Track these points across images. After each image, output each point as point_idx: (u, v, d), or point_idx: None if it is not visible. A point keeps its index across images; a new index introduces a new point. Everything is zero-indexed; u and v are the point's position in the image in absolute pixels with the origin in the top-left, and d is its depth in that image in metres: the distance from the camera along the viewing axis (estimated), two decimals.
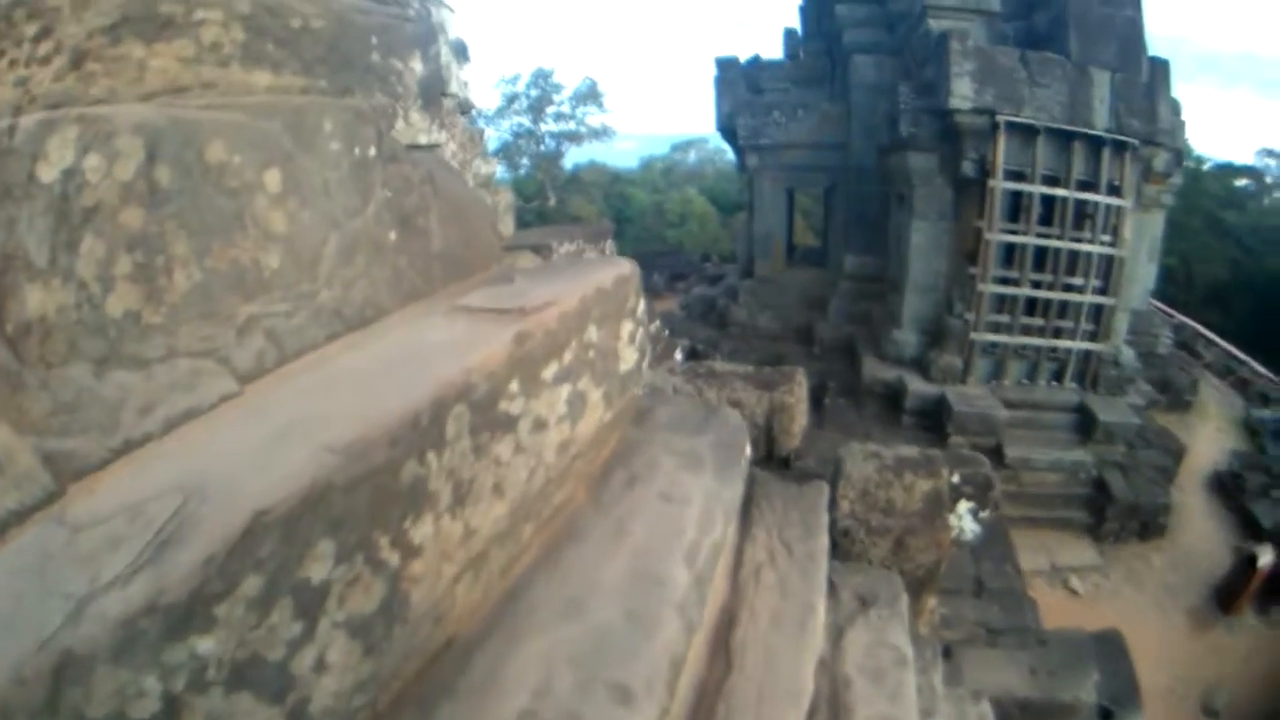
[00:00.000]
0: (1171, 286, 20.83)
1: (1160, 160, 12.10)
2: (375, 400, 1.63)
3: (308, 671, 1.36)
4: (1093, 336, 11.98)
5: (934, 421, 11.90)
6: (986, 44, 11.89)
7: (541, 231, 6.07)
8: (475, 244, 2.83)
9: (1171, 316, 19.29)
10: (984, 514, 9.15)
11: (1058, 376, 12.23)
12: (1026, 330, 12.04)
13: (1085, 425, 11.64)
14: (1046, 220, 11.63)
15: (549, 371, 2.08)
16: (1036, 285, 11.83)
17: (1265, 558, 9.62)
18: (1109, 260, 11.74)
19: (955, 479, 6.28)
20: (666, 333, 10.29)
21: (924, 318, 12.96)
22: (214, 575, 1.22)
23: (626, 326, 2.59)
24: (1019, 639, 7.73)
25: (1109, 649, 7.79)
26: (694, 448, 2.66)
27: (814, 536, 2.97)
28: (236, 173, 1.96)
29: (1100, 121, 11.28)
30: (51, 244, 1.67)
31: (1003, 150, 11.21)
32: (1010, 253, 11.85)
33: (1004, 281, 11.85)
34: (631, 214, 35.42)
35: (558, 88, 36.18)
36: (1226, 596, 9.87)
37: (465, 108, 3.52)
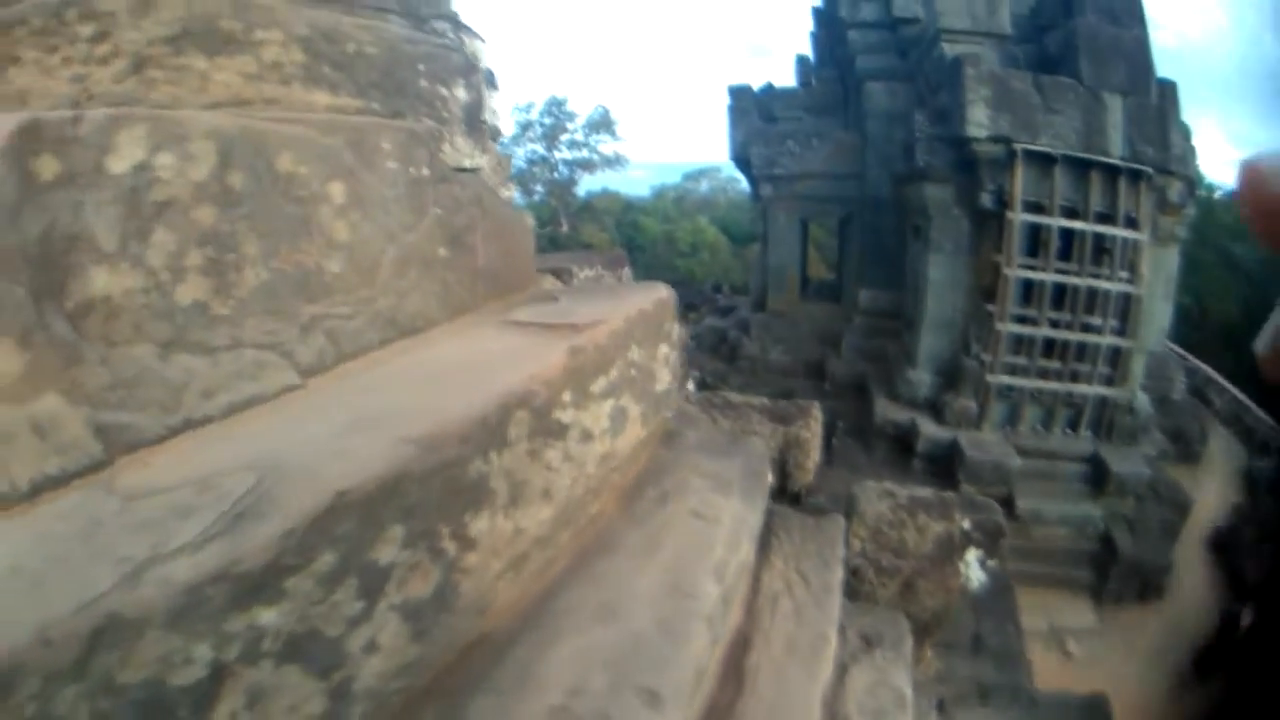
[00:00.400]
0: (1185, 326, 20.71)
1: (1174, 190, 12.12)
2: (445, 399, 1.82)
3: (358, 650, 1.46)
4: (1109, 381, 12.01)
5: (945, 468, 11.87)
6: (999, 68, 12.02)
7: (560, 256, 6.25)
8: (515, 263, 3.02)
9: (1185, 359, 19.27)
10: (991, 563, 9.26)
11: (1073, 424, 12.23)
12: (1044, 373, 12.06)
13: (1097, 476, 11.63)
14: (1065, 254, 11.68)
15: (597, 385, 2.28)
16: (1055, 325, 11.87)
17: (1246, 619, 9.64)
18: (1127, 299, 11.77)
19: (966, 524, 6.36)
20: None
21: (939, 357, 12.97)
22: (291, 549, 1.32)
23: (663, 349, 2.79)
24: (1011, 698, 7.83)
25: (1095, 714, 8.05)
26: (722, 471, 2.80)
27: (830, 569, 3.05)
28: (304, 183, 2.13)
29: (1115, 149, 11.35)
30: (121, 231, 1.75)
31: (1021, 180, 11.32)
32: (1028, 290, 11.89)
33: (1022, 320, 11.90)
34: (643, 242, 35.56)
35: (571, 116, 36.80)
36: (1203, 663, 9.86)
37: (495, 134, 3.71)
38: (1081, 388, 12.01)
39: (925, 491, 4.70)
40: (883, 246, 15.25)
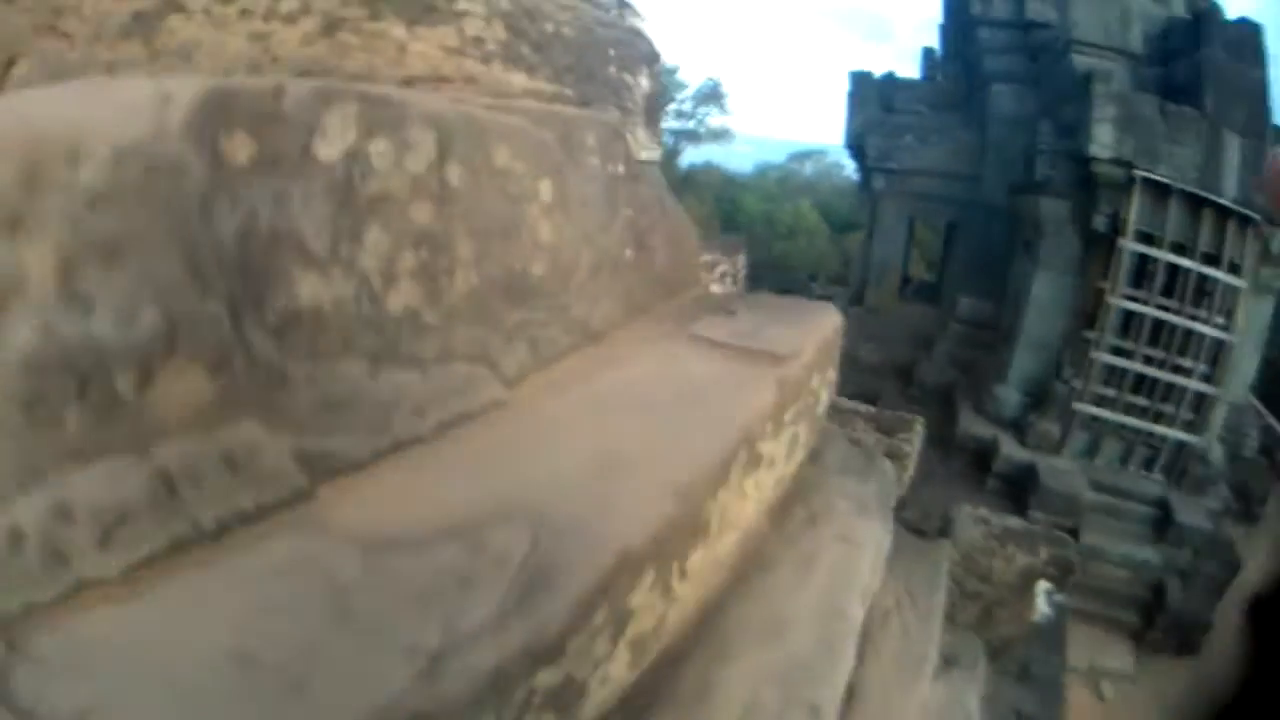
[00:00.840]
0: (1265, 380, 19.84)
1: (1277, 242, 11.58)
2: (681, 440, 1.79)
3: (596, 684, 1.43)
4: (1190, 426, 11.58)
5: (1018, 490, 11.56)
6: (1128, 87, 11.56)
7: None
8: (685, 264, 2.97)
9: (1263, 416, 18.54)
10: (1058, 597, 9.07)
11: (1148, 464, 11.82)
12: (1129, 409, 11.67)
13: (1161, 522, 11.25)
14: (1168, 290, 11.24)
15: (788, 415, 2.28)
16: (1148, 360, 11.48)
17: None
18: (1220, 345, 11.33)
19: (1044, 554, 6.27)
20: None
21: (1030, 377, 12.62)
22: (581, 616, 1.30)
23: (830, 373, 2.76)
24: None
25: None
26: (862, 495, 2.82)
27: (935, 592, 3.14)
28: (518, 179, 2.00)
29: (1229, 191, 10.88)
30: (333, 231, 1.56)
31: (1136, 208, 10.90)
32: (1128, 321, 11.49)
33: (1118, 351, 11.53)
34: (741, 220, 34.80)
35: (682, 85, 35.93)
36: None
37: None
38: (1162, 429, 11.59)
39: (1016, 522, 4.70)
40: (988, 255, 14.71)
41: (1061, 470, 11.49)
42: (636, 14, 3.55)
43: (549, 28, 2.58)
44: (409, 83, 2.12)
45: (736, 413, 1.95)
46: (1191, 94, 11.22)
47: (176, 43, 1.89)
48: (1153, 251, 11.07)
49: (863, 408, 4.67)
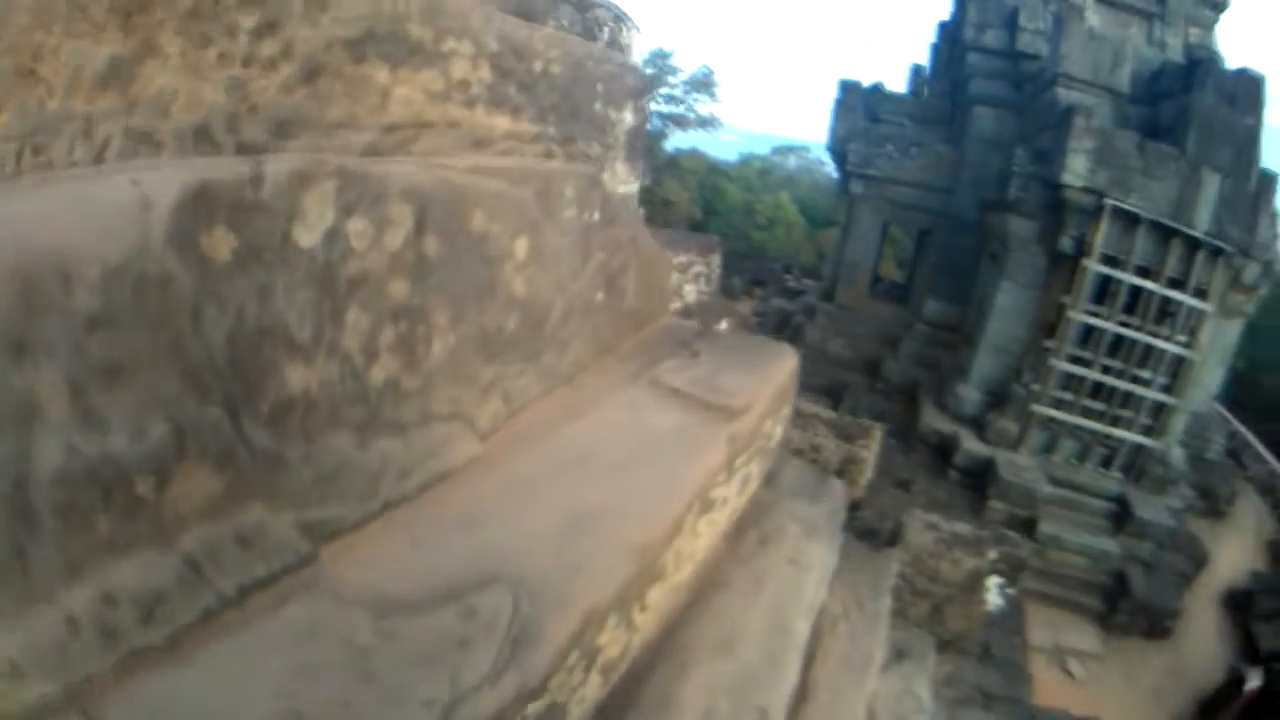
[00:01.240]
0: (1235, 388, 20.02)
1: (1251, 273, 11.79)
2: (642, 499, 1.91)
3: (574, 706, 1.60)
4: (1148, 431, 11.80)
5: (978, 482, 11.81)
6: (1110, 123, 11.65)
7: (659, 236, 6.19)
8: (655, 298, 3.01)
9: (1228, 422, 18.77)
10: (1011, 591, 9.28)
11: (1106, 463, 12.05)
12: (1087, 413, 11.89)
13: (1121, 516, 11.49)
14: (1130, 309, 11.43)
15: (739, 461, 2.39)
16: (1106, 370, 11.67)
17: (1254, 681, 9.49)
18: (1180, 360, 11.55)
19: (993, 555, 6.42)
20: None
21: (991, 378, 12.84)
22: (558, 661, 1.45)
23: (784, 411, 2.82)
24: (1011, 708, 7.90)
25: None
26: (812, 517, 2.93)
27: (880, 598, 3.23)
28: (494, 241, 2.01)
29: (1202, 223, 11.04)
30: (316, 318, 1.56)
31: (1103, 234, 11.04)
32: (1088, 334, 11.68)
33: (1076, 361, 11.72)
34: (721, 208, 34.79)
35: (674, 70, 35.64)
36: (1210, 712, 9.78)
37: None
38: (1120, 432, 11.82)
39: (963, 528, 4.82)
40: (957, 262, 14.96)
41: (1020, 465, 11.72)
42: (634, 26, 3.52)
43: (538, 66, 2.53)
44: (390, 130, 2.06)
45: (690, 472, 2.07)
46: (1175, 134, 11.31)
47: (153, 91, 1.74)
48: (1116, 273, 11.21)
49: (824, 413, 4.73)
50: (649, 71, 36.05)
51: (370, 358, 1.71)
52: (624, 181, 3.03)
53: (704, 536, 2.23)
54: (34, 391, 1.15)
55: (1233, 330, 12.86)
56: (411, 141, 2.09)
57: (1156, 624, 10.81)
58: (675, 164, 36.29)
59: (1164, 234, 11.11)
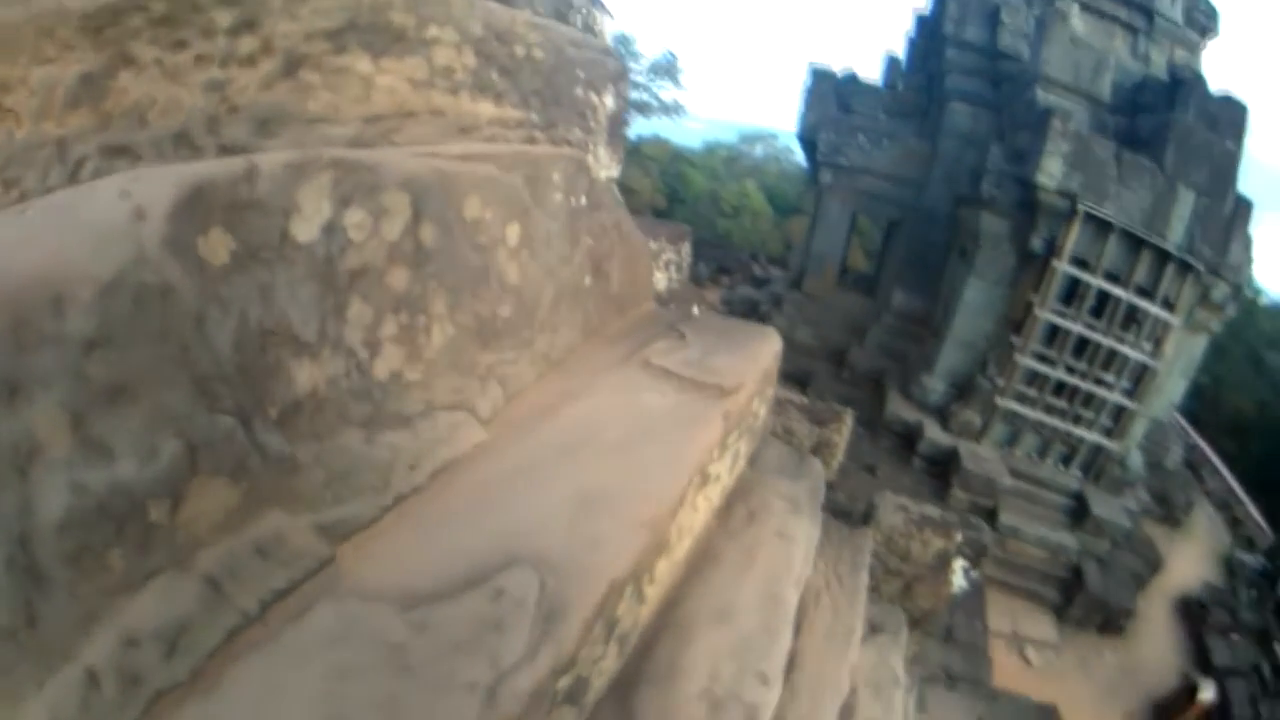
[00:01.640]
0: (1198, 403, 20.40)
1: (1219, 292, 12.04)
2: (646, 477, 1.99)
3: (596, 678, 1.67)
4: (1108, 433, 12.05)
5: (942, 470, 12.04)
6: (1088, 129, 11.75)
7: None
8: (638, 282, 3.06)
9: (1188, 434, 19.15)
10: (974, 573, 9.50)
11: (1065, 460, 12.31)
12: (1049, 409, 12.11)
13: (1078, 513, 11.76)
14: (1097, 312, 11.63)
15: (731, 438, 2.49)
16: (1070, 370, 11.88)
17: (1206, 693, 9.76)
18: (1143, 368, 11.78)
19: (959, 538, 6.54)
20: None
21: (956, 371, 13.02)
22: (585, 634, 1.51)
23: (769, 392, 2.91)
24: (973, 689, 8.17)
25: None
26: (795, 494, 3.04)
27: (859, 573, 3.38)
28: (487, 228, 2.01)
29: (1174, 238, 11.20)
30: (320, 314, 1.53)
31: (1074, 237, 11.20)
32: (1054, 333, 11.87)
33: (1041, 359, 11.92)
34: (686, 196, 34.48)
35: (636, 56, 35.26)
36: (1163, 717, 10.04)
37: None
38: (1080, 431, 12.07)
39: (933, 510, 4.94)
40: (925, 255, 15.08)
41: (982, 456, 11.96)
42: (606, 11, 3.52)
43: (520, 51, 2.52)
44: (374, 121, 2.03)
45: (690, 449, 2.16)
46: (1153, 149, 11.44)
47: (129, 102, 1.70)
48: (1085, 276, 11.37)
49: (796, 398, 4.79)
50: None
51: (373, 351, 1.71)
52: (605, 167, 3.05)
53: (701, 511, 2.33)
54: (31, 433, 1.10)
55: (1198, 345, 13.16)
56: (396, 131, 2.08)
57: (1111, 620, 11.10)
58: (638, 151, 35.91)
59: (1135, 243, 11.29)
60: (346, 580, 1.48)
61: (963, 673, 8.44)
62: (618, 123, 3.16)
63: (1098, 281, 11.35)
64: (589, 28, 3.34)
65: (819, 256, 17.36)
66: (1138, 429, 12.44)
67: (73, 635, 1.15)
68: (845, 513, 4.38)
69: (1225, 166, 11.60)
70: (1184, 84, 12.06)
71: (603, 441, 2.08)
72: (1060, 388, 12.06)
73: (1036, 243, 11.68)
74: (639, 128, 36.77)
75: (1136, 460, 12.79)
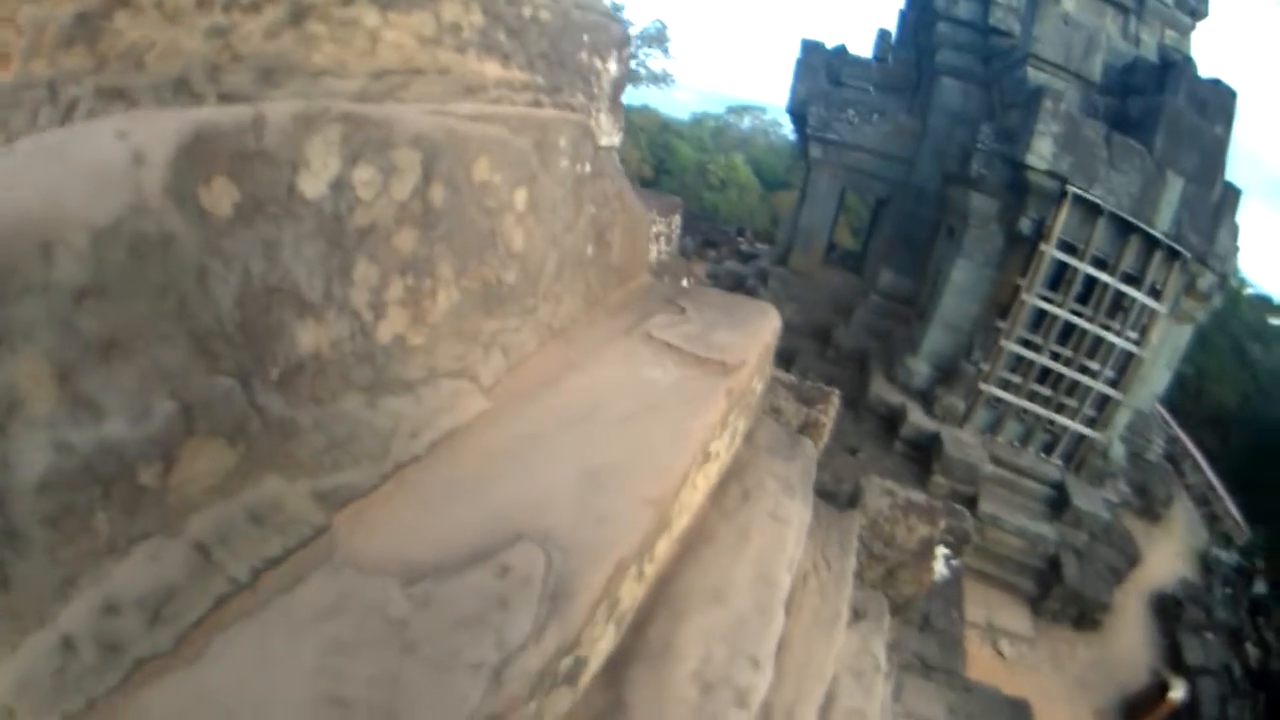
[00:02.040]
0: (1180, 395, 20.58)
1: (1205, 281, 12.13)
2: (650, 453, 1.98)
3: (594, 658, 1.67)
4: (1091, 423, 12.13)
5: (923, 455, 12.12)
6: (1078, 110, 11.79)
7: None
8: (637, 253, 3.05)
9: (1170, 426, 19.33)
10: (955, 562, 9.59)
11: (1048, 449, 12.40)
12: (1033, 396, 12.19)
13: (1058, 503, 11.85)
14: (1083, 299, 11.68)
15: (731, 416, 2.48)
16: (1055, 357, 11.95)
17: (1177, 692, 9.91)
18: (1129, 356, 11.85)
19: (942, 525, 6.59)
20: None
21: (941, 353, 13.08)
22: (590, 615, 1.49)
23: (767, 369, 2.93)
24: (948, 679, 8.27)
25: (1018, 716, 8.39)
26: (788, 474, 3.05)
27: (847, 556, 3.41)
28: (495, 192, 1.98)
29: (1162, 224, 11.26)
30: (325, 273, 1.50)
31: (1063, 220, 11.23)
32: (1040, 318, 11.93)
33: (1026, 344, 11.98)
34: (673, 167, 34.54)
35: (625, 24, 35.23)
36: (1133, 714, 10.19)
37: None
38: (1064, 420, 12.14)
39: (919, 496, 4.97)
40: (913, 234, 15.18)
41: (964, 442, 12.02)
42: None
43: (527, 11, 2.44)
44: (379, 76, 1.96)
45: (694, 425, 2.15)
46: (1143, 132, 11.46)
47: (125, 45, 1.61)
48: (1073, 261, 11.41)
49: (784, 376, 4.80)
50: None
51: (378, 313, 1.67)
52: (607, 134, 3.01)
53: (699, 489, 2.34)
54: (11, 386, 1.05)
55: (1183, 335, 13.31)
56: (401, 89, 1.99)
57: (1087, 614, 11.22)
58: (626, 120, 35.76)
59: (1123, 228, 11.34)
60: (342, 550, 1.44)
61: (938, 662, 8.53)
62: (619, 89, 3.12)
63: (1085, 267, 11.39)
64: None
65: (806, 232, 17.41)
66: (1121, 419, 12.54)
67: (49, 599, 1.12)
68: (831, 494, 4.41)
69: (1214, 153, 11.68)
70: (1174, 67, 12.13)
71: (607, 415, 2.07)
72: (1045, 374, 12.12)
73: (1025, 224, 11.71)
74: (627, 96, 36.44)
75: (1118, 451, 12.90)
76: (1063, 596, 11.14)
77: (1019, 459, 12.23)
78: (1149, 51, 13.50)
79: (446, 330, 1.90)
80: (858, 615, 3.51)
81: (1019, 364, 12.15)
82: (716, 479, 2.64)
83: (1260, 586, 13.77)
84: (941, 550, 7.70)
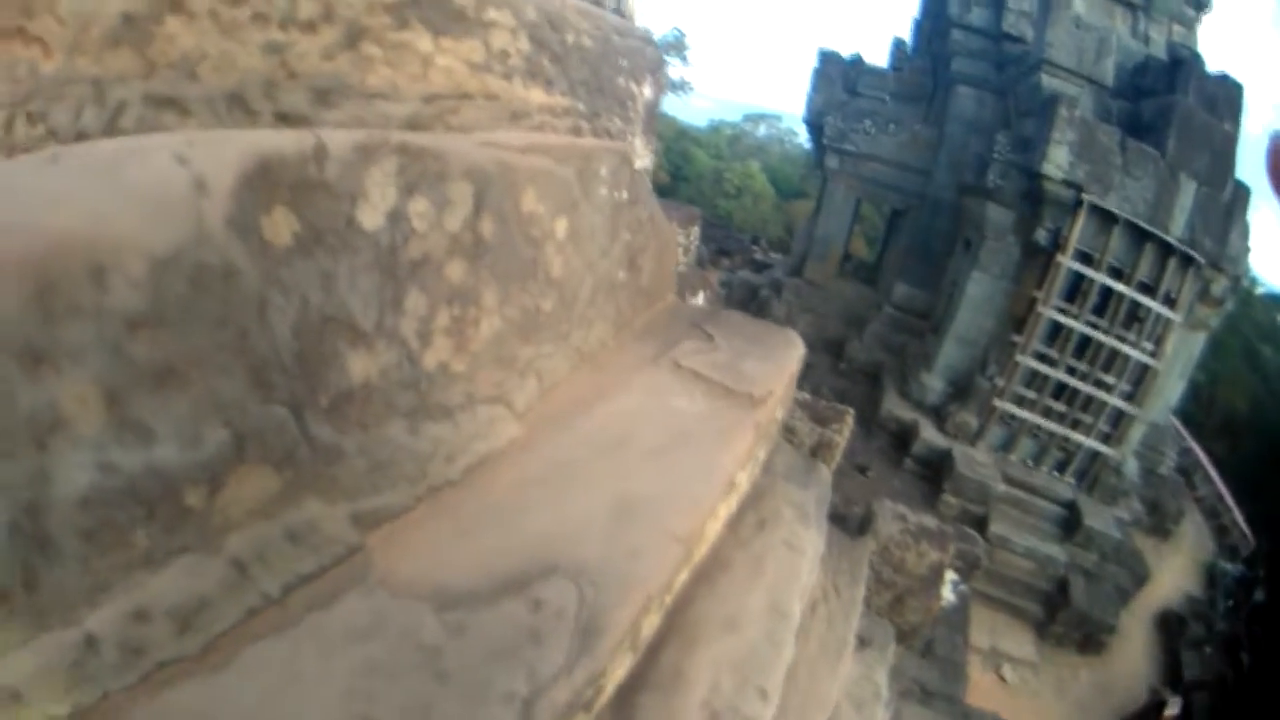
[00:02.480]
0: (1193, 403, 20.42)
1: (1219, 285, 12.14)
2: (680, 486, 2.02)
3: (610, 686, 1.66)
4: (1106, 439, 12.13)
5: (934, 473, 12.12)
6: (1092, 115, 11.85)
7: None
8: (665, 276, 3.08)
9: (1183, 438, 19.21)
10: (963, 587, 9.56)
11: (1061, 467, 12.37)
12: (1048, 413, 12.19)
13: (1070, 523, 11.80)
14: (1099, 311, 11.69)
15: (758, 449, 2.43)
16: (1071, 371, 11.95)
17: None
18: (1144, 369, 11.86)
19: (952, 550, 6.63)
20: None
21: (955, 369, 13.10)
22: (619, 648, 1.55)
23: (789, 397, 2.94)
24: (948, 707, 8.22)
25: None
26: (804, 502, 3.06)
27: (857, 585, 3.43)
28: (539, 221, 2.02)
29: (1177, 230, 11.30)
30: (379, 303, 1.52)
31: (1080, 229, 11.26)
32: (1056, 332, 11.94)
33: (1042, 358, 11.99)
34: (689, 174, 34.68)
35: (660, 46, 35.36)
36: None
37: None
38: (1078, 436, 12.14)
39: (930, 521, 4.96)
40: (929, 246, 15.23)
41: (977, 460, 11.99)
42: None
43: (570, 38, 2.52)
44: (431, 100, 2.02)
45: (723, 459, 2.19)
46: (1156, 134, 11.51)
47: (177, 53, 1.61)
48: (1090, 272, 11.44)
49: (799, 394, 4.83)
50: None
51: (425, 342, 1.70)
52: (640, 156, 3.05)
53: (720, 518, 2.36)
54: (55, 406, 1.05)
55: (1196, 343, 13.27)
56: (451, 113, 2.06)
57: (1092, 637, 11.18)
58: None
59: (1139, 236, 11.36)
60: (376, 571, 1.47)
61: (938, 689, 8.48)
62: (653, 112, 3.17)
63: (1102, 277, 11.41)
64: (619, 9, 3.33)
65: (822, 243, 17.46)
66: (1135, 434, 12.54)
67: (78, 603, 1.12)
68: (842, 517, 4.42)
69: (1225, 151, 11.71)
70: (1183, 64, 12.21)
71: (638, 445, 2.11)
72: (1060, 390, 12.10)
73: (1042, 235, 11.74)
74: None
75: (1132, 468, 12.91)
76: (1069, 620, 11.10)
77: (1032, 478, 12.21)
78: (1158, 49, 13.58)
79: (486, 357, 1.94)
80: (863, 643, 3.51)
81: (1034, 379, 12.15)
82: (736, 507, 2.67)
83: (1260, 595, 13.71)
84: (950, 576, 7.68)
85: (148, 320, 1.12)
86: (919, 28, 18.45)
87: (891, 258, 17.06)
